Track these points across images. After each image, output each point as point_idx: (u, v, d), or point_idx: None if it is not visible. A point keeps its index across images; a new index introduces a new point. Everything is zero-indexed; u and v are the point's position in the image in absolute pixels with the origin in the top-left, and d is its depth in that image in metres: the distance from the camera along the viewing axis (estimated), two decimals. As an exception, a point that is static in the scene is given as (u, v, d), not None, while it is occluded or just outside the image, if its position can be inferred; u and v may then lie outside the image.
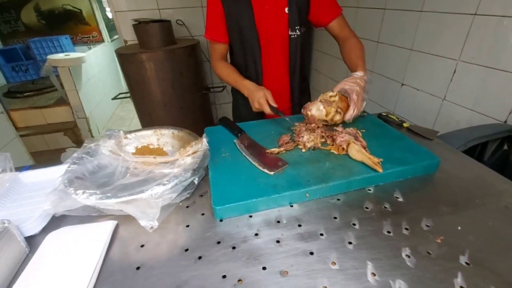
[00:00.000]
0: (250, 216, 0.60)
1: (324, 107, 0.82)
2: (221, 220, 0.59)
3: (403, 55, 1.57)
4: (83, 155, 0.68)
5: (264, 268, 0.48)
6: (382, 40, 1.71)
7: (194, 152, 0.68)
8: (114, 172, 0.66)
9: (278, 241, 0.53)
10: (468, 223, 0.55)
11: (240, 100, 1.17)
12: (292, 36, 1.00)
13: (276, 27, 1.01)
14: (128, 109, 4.09)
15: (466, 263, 0.47)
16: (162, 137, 0.82)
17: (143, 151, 0.80)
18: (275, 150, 0.74)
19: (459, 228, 0.54)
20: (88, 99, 3.15)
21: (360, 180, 0.64)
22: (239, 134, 0.83)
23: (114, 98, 2.32)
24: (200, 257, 0.51)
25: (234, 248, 0.52)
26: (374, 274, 0.46)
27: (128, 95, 2.22)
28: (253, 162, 0.71)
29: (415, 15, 1.45)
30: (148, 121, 2.17)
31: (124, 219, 0.60)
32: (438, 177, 0.68)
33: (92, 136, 3.11)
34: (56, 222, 0.61)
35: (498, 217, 0.56)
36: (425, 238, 0.52)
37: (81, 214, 0.59)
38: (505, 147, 0.98)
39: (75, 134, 3.09)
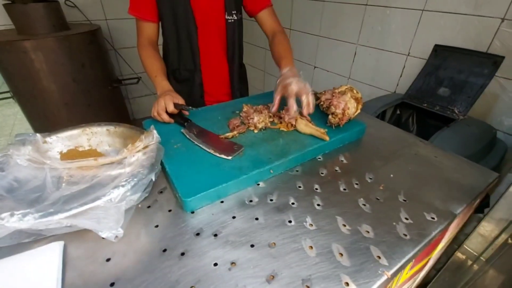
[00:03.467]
0: (222, 202, 0.59)
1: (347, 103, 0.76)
2: (192, 212, 0.56)
3: (313, 41, 1.76)
4: (-11, 171, 0.52)
5: (252, 246, 0.49)
6: (294, 27, 1.87)
7: (145, 147, 0.61)
8: (44, 184, 0.53)
9: (257, 218, 0.55)
10: (396, 170, 0.69)
11: (175, 87, 1.05)
12: (229, 21, 0.98)
13: (212, 9, 0.96)
14: (5, 113, 3.21)
15: (404, 200, 0.60)
16: (94, 136, 0.70)
17: (70, 155, 0.67)
18: (229, 134, 0.74)
19: (392, 175, 0.67)
20: None
21: (312, 150, 0.71)
22: (185, 123, 0.79)
23: (-13, 101, 1.78)
24: (183, 253, 0.47)
25: (216, 235, 0.51)
26: (344, 225, 0.53)
27: (9, 95, 1.75)
28: (208, 150, 0.69)
29: (319, 4, 1.64)
30: (45, 124, 1.77)
31: (71, 237, 0.50)
32: (366, 140, 0.83)
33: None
34: (-34, 263, 0.45)
35: (413, 162, 0.72)
36: (371, 188, 0.63)
37: (9, 244, 0.46)
38: (398, 111, 1.24)
39: None
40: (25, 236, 0.47)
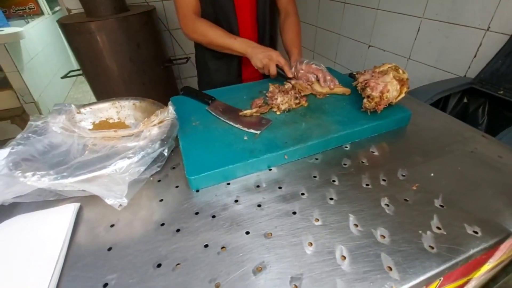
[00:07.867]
0: (228, 184, 0.57)
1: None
2: (197, 191, 0.56)
3: (369, 15, 1.55)
4: (30, 135, 0.59)
5: (247, 233, 0.46)
6: (349, 0, 1.67)
7: (160, 122, 0.62)
8: (70, 150, 0.59)
9: (259, 205, 0.51)
10: (440, 169, 0.57)
11: (212, 66, 1.07)
12: None
13: None
14: (84, 89, 3.74)
15: (441, 205, 0.49)
16: (123, 110, 0.74)
17: (102, 126, 0.72)
18: (247, 112, 0.71)
19: (432, 174, 0.56)
20: (35, 81, 2.80)
21: (337, 138, 0.63)
22: (210, 101, 0.78)
23: (64, 77, 2.08)
24: (178, 230, 0.47)
25: (214, 216, 0.50)
26: (356, 225, 0.46)
27: (80, 72, 1.99)
28: (236, 125, 0.68)
29: (380, -29, 1.42)
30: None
31: (89, 200, 0.54)
32: (410, 130, 0.70)
33: (46, 122, 2.80)
34: (7, 211, 0.53)
35: (466, 161, 0.59)
36: (401, 187, 0.53)
37: (37, 200, 0.52)
38: (465, 99, 1.03)
39: (24, 121, 2.77)
40: (50, 195, 0.53)
